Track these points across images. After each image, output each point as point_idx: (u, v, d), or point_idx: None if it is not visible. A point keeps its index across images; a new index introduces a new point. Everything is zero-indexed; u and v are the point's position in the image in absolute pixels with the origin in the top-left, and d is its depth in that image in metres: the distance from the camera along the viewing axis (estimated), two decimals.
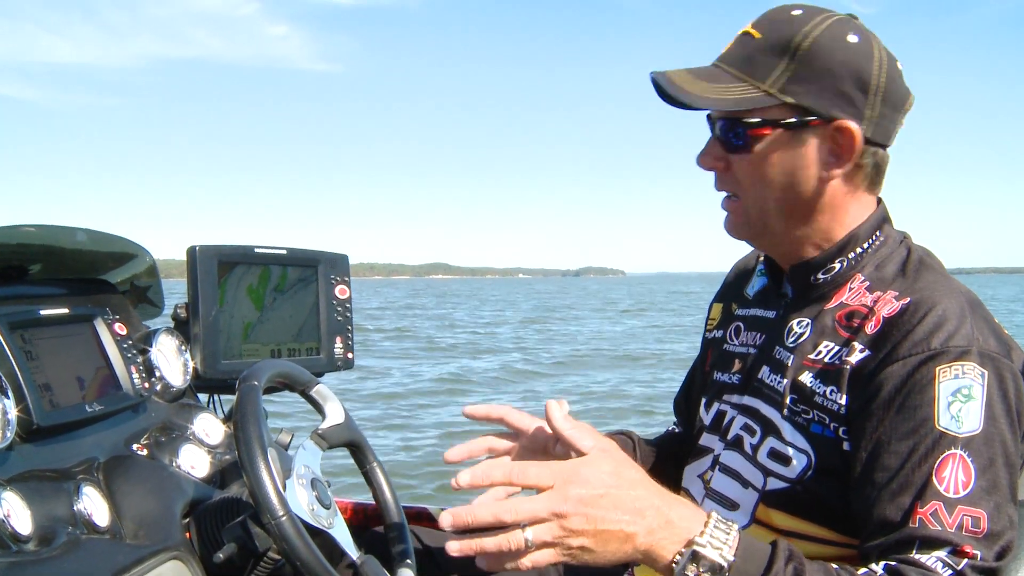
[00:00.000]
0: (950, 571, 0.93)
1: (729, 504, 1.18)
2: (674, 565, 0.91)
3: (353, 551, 1.22)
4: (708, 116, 1.17)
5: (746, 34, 1.13)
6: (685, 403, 1.48)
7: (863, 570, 0.96)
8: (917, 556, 0.95)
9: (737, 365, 1.26)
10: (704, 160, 1.18)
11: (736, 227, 1.20)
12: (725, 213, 1.20)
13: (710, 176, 1.20)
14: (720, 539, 0.92)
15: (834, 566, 0.96)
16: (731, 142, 1.13)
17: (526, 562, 0.90)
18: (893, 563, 0.96)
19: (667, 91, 1.10)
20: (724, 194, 1.19)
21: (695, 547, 0.91)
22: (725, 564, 0.91)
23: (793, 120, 1.10)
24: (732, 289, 1.40)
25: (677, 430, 1.52)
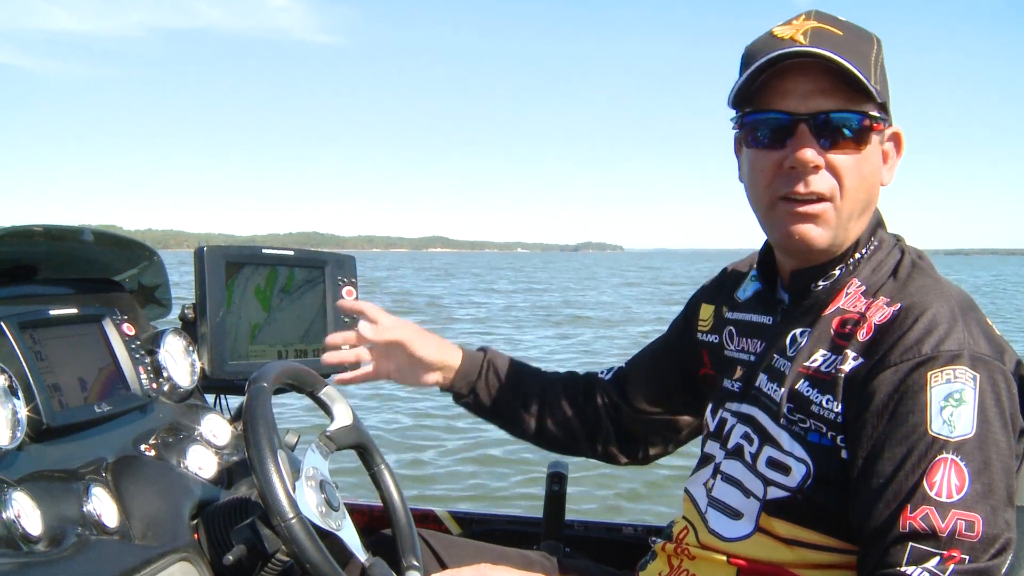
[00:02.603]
0: None
1: (732, 513, 1.18)
2: None
3: (361, 554, 1.22)
4: (780, 112, 1.09)
5: (821, 30, 1.09)
6: (634, 375, 1.52)
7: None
8: (904, 570, 0.95)
9: (739, 372, 1.26)
10: (810, 158, 1.07)
11: (820, 236, 1.11)
12: (802, 224, 1.11)
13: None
14: None
15: None
16: (842, 136, 1.08)
17: None
18: None
19: (831, 58, 1.04)
20: (792, 201, 1.10)
21: None
22: None
23: (886, 120, 1.12)
24: (722, 292, 1.39)
25: (604, 377, 1.56)
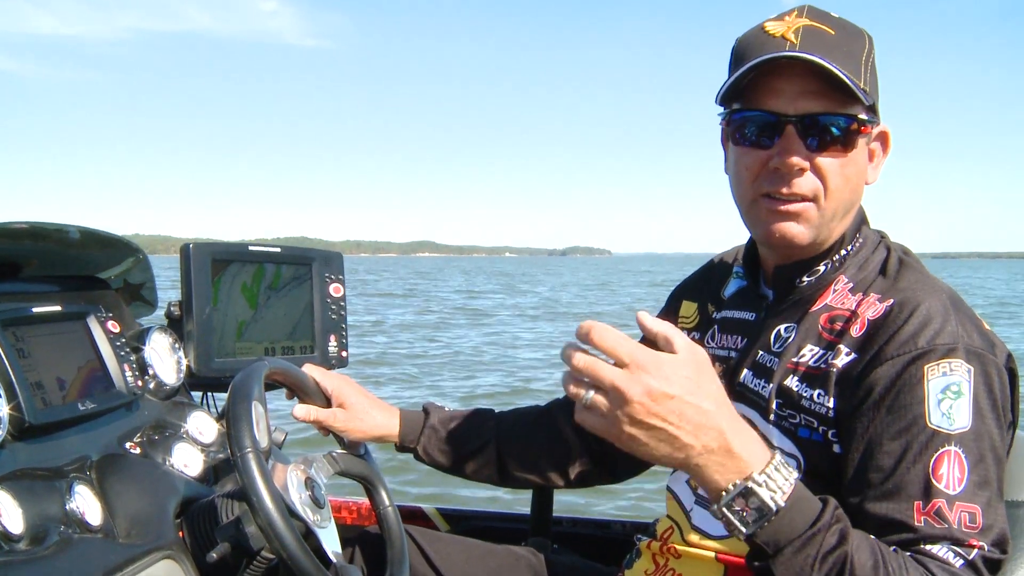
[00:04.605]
0: (962, 561, 0.94)
1: None
2: (724, 494, 0.88)
3: (338, 556, 1.21)
4: (768, 112, 1.09)
5: (813, 28, 1.08)
6: None
7: (893, 547, 0.96)
8: (928, 548, 0.95)
9: (716, 369, 1.26)
10: (795, 161, 1.08)
11: (801, 234, 1.11)
12: (783, 221, 1.11)
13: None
14: (777, 482, 0.89)
15: (872, 536, 0.95)
16: (829, 139, 1.08)
17: (578, 416, 0.87)
18: (908, 553, 0.95)
19: (819, 63, 1.04)
20: (774, 199, 1.10)
21: (750, 483, 0.88)
22: (775, 508, 0.88)
23: (875, 121, 1.12)
24: (707, 288, 1.38)
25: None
